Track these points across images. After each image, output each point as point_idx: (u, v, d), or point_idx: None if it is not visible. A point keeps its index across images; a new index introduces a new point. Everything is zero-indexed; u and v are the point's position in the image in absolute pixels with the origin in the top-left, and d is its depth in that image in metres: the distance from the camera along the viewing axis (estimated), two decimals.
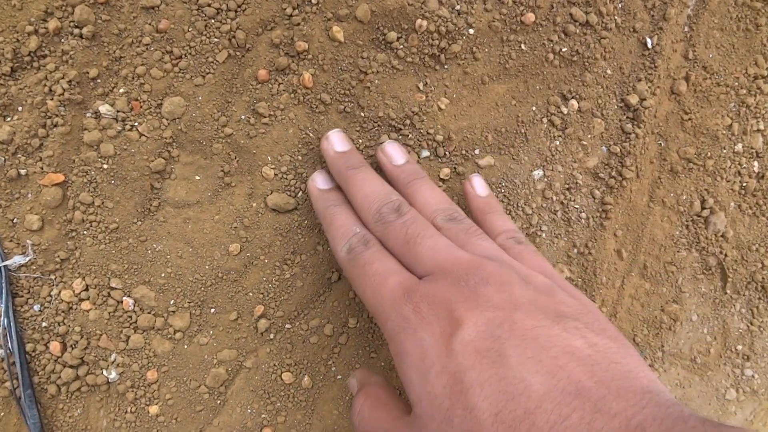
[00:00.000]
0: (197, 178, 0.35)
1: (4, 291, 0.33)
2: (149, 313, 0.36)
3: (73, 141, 0.33)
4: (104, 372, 0.36)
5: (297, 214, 0.37)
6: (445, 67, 0.36)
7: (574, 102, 0.39)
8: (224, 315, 0.37)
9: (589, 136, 0.41)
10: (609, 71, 0.40)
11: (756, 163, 0.45)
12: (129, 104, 0.33)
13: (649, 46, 0.40)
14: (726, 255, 0.46)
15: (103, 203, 0.34)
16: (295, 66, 0.34)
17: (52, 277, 0.34)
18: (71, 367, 0.35)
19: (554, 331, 0.25)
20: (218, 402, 0.38)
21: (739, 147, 0.44)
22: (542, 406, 0.22)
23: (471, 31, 0.36)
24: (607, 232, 0.43)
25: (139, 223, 0.35)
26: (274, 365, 0.38)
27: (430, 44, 0.35)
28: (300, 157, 0.36)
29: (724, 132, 0.43)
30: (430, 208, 0.32)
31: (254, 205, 0.36)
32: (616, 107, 0.41)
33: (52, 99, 0.32)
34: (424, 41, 0.35)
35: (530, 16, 0.37)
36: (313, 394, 0.39)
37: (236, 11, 0.33)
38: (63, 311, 0.35)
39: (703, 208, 0.45)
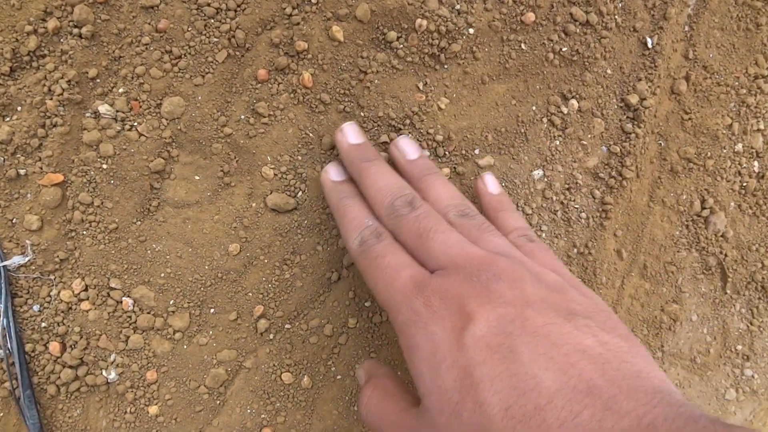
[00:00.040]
0: (197, 178, 0.35)
1: (3, 291, 0.33)
2: (149, 313, 0.36)
3: (72, 141, 0.33)
4: (104, 372, 0.36)
5: (297, 214, 0.37)
6: (445, 66, 0.36)
7: (574, 102, 0.39)
8: (224, 315, 0.37)
9: (589, 135, 0.41)
10: (609, 71, 0.40)
11: (756, 163, 0.45)
12: (128, 104, 0.33)
13: (650, 45, 0.40)
14: (726, 255, 0.46)
15: (102, 203, 0.34)
16: (294, 66, 0.34)
17: (52, 277, 0.34)
18: (71, 367, 0.35)
19: (566, 329, 0.25)
20: (218, 402, 0.38)
21: (739, 147, 0.44)
22: (553, 402, 0.22)
23: (471, 30, 0.36)
24: (607, 232, 0.43)
25: (139, 223, 0.35)
26: (274, 365, 0.38)
27: (430, 44, 0.35)
28: (300, 157, 0.36)
29: (725, 132, 0.43)
30: (442, 203, 0.32)
31: (254, 205, 0.36)
32: (616, 107, 0.41)
33: (51, 99, 0.32)
34: (424, 41, 0.35)
35: (530, 16, 0.37)
36: (313, 394, 0.39)
37: (236, 11, 0.33)
38: (62, 311, 0.35)
39: (703, 208, 0.45)
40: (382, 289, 0.29)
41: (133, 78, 0.33)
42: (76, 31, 0.31)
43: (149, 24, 0.32)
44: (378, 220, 0.32)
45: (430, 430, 0.25)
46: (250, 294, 0.37)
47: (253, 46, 0.34)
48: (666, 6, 0.39)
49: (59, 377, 0.35)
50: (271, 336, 0.38)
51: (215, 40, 0.33)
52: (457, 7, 0.35)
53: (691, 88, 0.42)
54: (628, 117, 0.41)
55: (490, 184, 0.37)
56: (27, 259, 0.34)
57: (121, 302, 0.35)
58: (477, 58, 0.37)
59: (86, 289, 0.35)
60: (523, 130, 0.39)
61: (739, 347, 0.49)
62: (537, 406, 0.22)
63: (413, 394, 0.30)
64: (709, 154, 0.44)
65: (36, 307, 0.34)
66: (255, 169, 0.36)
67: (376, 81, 0.35)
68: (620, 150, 0.41)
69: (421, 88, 0.36)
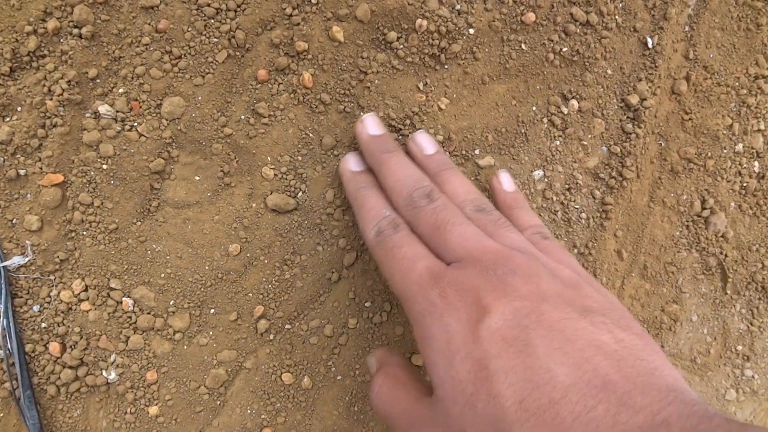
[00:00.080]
0: (197, 178, 0.35)
1: (3, 292, 0.33)
2: (149, 313, 0.36)
3: (72, 141, 0.33)
4: (104, 373, 0.36)
5: (297, 214, 0.37)
6: (446, 67, 0.36)
7: (574, 102, 0.39)
8: (224, 315, 0.37)
9: (590, 136, 0.41)
10: (609, 71, 0.40)
11: (756, 163, 0.45)
12: (128, 104, 0.33)
13: (650, 45, 0.40)
14: (726, 255, 0.46)
15: (102, 204, 0.34)
16: (294, 66, 0.34)
17: (52, 277, 0.34)
18: (71, 367, 0.35)
19: (581, 324, 0.25)
20: (218, 403, 0.38)
21: (739, 147, 0.44)
22: (567, 396, 0.22)
23: (471, 30, 0.36)
24: (608, 232, 0.43)
25: (139, 223, 0.35)
26: (274, 366, 0.38)
27: (431, 44, 0.35)
28: (300, 158, 0.36)
29: (725, 132, 0.43)
30: (458, 197, 0.32)
31: (254, 205, 0.36)
32: (616, 107, 0.41)
33: (51, 99, 0.32)
34: (424, 41, 0.35)
35: (530, 16, 0.37)
36: (313, 394, 0.39)
37: (236, 11, 0.33)
38: (62, 312, 0.35)
39: (703, 209, 0.45)
40: (398, 280, 0.29)
41: (133, 78, 0.33)
42: (76, 31, 0.31)
43: (149, 24, 0.32)
44: (395, 211, 0.32)
45: (443, 420, 0.25)
46: (251, 294, 0.37)
47: (254, 47, 0.34)
48: (666, 6, 0.39)
49: (59, 378, 0.35)
50: (272, 336, 0.38)
51: (215, 40, 0.33)
52: (458, 7, 0.35)
53: (692, 89, 0.42)
54: (628, 117, 0.41)
55: (505, 181, 0.37)
56: (27, 259, 0.34)
57: (121, 303, 0.35)
58: (477, 58, 0.37)
59: (86, 290, 0.35)
60: (523, 131, 0.39)
61: (740, 348, 0.49)
62: (551, 400, 0.22)
63: (425, 384, 0.30)
64: (709, 154, 0.44)
65: (36, 308, 0.34)
66: (255, 170, 0.36)
67: (376, 81, 0.35)
68: (620, 150, 0.41)
69: (421, 88, 0.36)
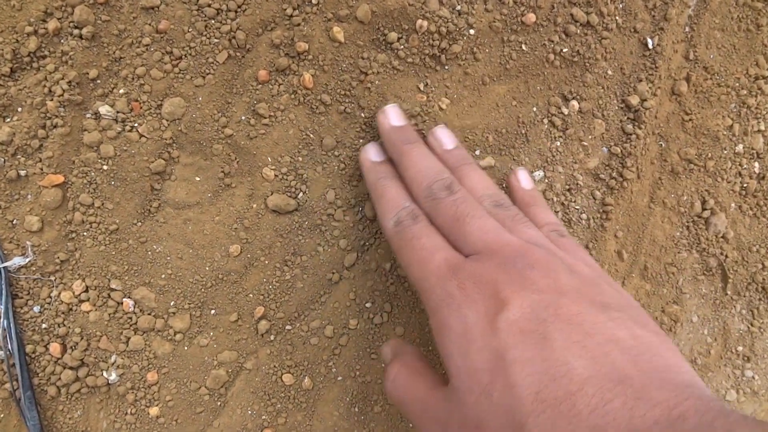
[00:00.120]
0: (197, 179, 0.35)
1: (3, 292, 0.33)
2: (149, 314, 0.36)
3: (72, 142, 0.33)
4: (104, 373, 0.36)
5: (297, 215, 0.37)
6: (446, 67, 0.36)
7: (574, 103, 0.39)
8: (224, 316, 0.37)
9: (590, 136, 0.41)
10: (610, 72, 0.40)
11: (757, 164, 0.45)
12: (129, 105, 0.33)
13: (650, 46, 0.40)
14: (726, 256, 0.46)
15: (103, 204, 0.34)
16: (295, 66, 0.34)
17: (52, 278, 0.34)
18: (71, 368, 0.35)
19: (599, 319, 0.25)
20: (218, 403, 0.38)
21: (739, 148, 0.44)
22: (584, 389, 0.22)
23: (472, 31, 0.36)
24: (608, 233, 0.43)
25: (139, 224, 0.35)
26: (275, 367, 0.38)
27: (431, 45, 0.35)
28: (300, 158, 0.36)
29: (725, 133, 0.43)
30: (477, 192, 0.32)
31: (254, 206, 0.36)
32: (616, 108, 0.41)
33: (51, 100, 0.32)
34: (424, 42, 0.35)
35: (531, 17, 0.37)
36: (314, 395, 0.39)
37: (236, 12, 0.33)
38: (63, 312, 0.35)
39: (703, 209, 0.45)
40: (415, 270, 0.29)
41: (133, 79, 0.33)
42: (76, 31, 0.31)
43: (150, 25, 0.32)
44: (415, 202, 0.32)
45: (458, 409, 0.26)
46: (251, 295, 0.37)
47: (254, 47, 0.34)
48: (666, 7, 0.39)
49: (60, 378, 0.35)
50: (272, 337, 0.38)
51: (216, 41, 0.33)
52: (458, 8, 0.35)
53: (692, 89, 0.42)
54: (628, 118, 0.41)
55: (523, 179, 0.37)
56: (27, 260, 0.34)
57: (122, 303, 0.35)
58: (478, 59, 0.37)
59: (87, 291, 0.35)
60: (523, 131, 0.39)
61: (740, 348, 0.49)
62: (568, 392, 0.22)
63: (440, 375, 0.30)
64: (709, 155, 0.44)
65: (36, 309, 0.34)
66: (256, 170, 0.36)
67: (377, 82, 0.35)
68: (621, 151, 0.41)
69: (422, 88, 0.36)
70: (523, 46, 0.37)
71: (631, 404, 0.21)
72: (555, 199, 0.41)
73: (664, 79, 0.41)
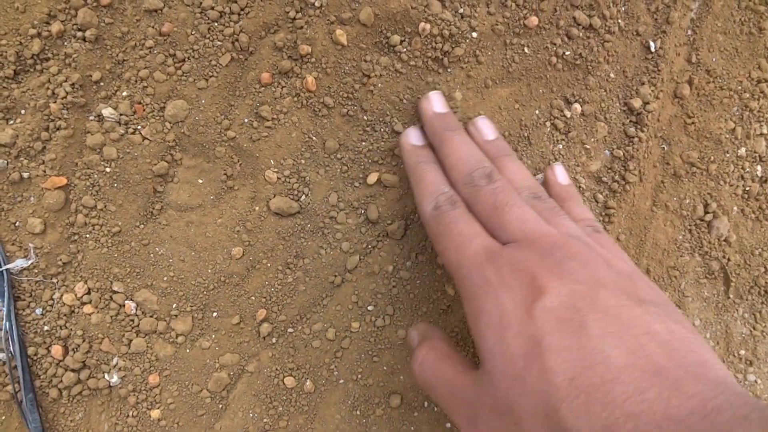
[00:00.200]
0: (200, 181, 0.35)
1: (6, 294, 0.33)
2: (151, 316, 0.36)
3: (75, 144, 0.33)
4: (106, 376, 0.36)
5: (300, 217, 0.37)
6: (449, 70, 0.36)
7: (577, 105, 0.39)
8: (226, 319, 0.37)
9: (592, 139, 0.41)
10: (612, 75, 0.40)
11: (759, 167, 0.45)
12: (132, 107, 0.33)
13: (653, 49, 0.40)
14: (729, 259, 0.46)
15: (105, 206, 0.34)
16: (298, 69, 0.34)
17: (54, 280, 0.34)
18: (73, 370, 0.35)
19: (636, 312, 0.25)
20: (220, 406, 0.38)
21: (742, 151, 0.44)
22: (620, 378, 0.22)
23: (474, 34, 0.36)
24: (610, 236, 0.43)
25: (142, 226, 0.35)
26: (277, 369, 0.38)
27: (434, 47, 0.35)
28: (303, 161, 0.36)
29: (728, 136, 0.43)
30: (516, 183, 0.33)
31: (257, 208, 0.36)
32: (619, 111, 0.41)
33: (54, 102, 0.32)
34: (427, 44, 0.35)
35: (533, 20, 0.37)
36: (316, 398, 0.39)
37: (239, 14, 0.33)
38: (65, 315, 0.35)
39: (706, 213, 0.45)
40: (452, 255, 0.29)
41: (136, 81, 0.33)
42: (79, 34, 0.31)
43: (153, 27, 0.32)
44: (453, 188, 0.32)
45: (490, 393, 0.26)
46: (253, 298, 0.37)
47: (257, 50, 0.34)
48: (669, 10, 0.39)
49: (61, 381, 0.35)
50: (274, 340, 0.38)
51: (219, 43, 0.33)
52: (461, 11, 0.35)
53: (694, 92, 0.42)
54: (631, 121, 0.41)
55: (560, 174, 0.37)
56: (30, 262, 0.34)
57: (124, 306, 0.35)
58: (480, 61, 0.37)
59: (89, 293, 0.35)
60: (526, 134, 0.39)
61: (742, 352, 0.49)
62: (603, 380, 0.22)
63: (469, 359, 0.30)
64: (712, 158, 0.44)
65: (39, 311, 0.34)
66: (258, 173, 0.36)
67: (379, 84, 0.35)
68: (623, 154, 0.41)
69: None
70: (526, 49, 0.37)
71: (666, 394, 0.21)
72: None
73: (666, 82, 0.41)
